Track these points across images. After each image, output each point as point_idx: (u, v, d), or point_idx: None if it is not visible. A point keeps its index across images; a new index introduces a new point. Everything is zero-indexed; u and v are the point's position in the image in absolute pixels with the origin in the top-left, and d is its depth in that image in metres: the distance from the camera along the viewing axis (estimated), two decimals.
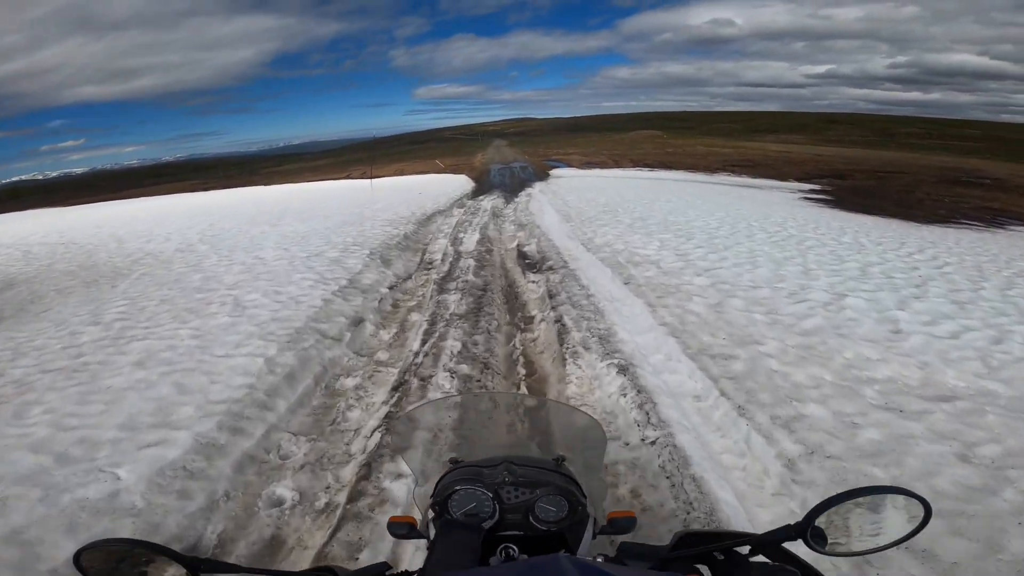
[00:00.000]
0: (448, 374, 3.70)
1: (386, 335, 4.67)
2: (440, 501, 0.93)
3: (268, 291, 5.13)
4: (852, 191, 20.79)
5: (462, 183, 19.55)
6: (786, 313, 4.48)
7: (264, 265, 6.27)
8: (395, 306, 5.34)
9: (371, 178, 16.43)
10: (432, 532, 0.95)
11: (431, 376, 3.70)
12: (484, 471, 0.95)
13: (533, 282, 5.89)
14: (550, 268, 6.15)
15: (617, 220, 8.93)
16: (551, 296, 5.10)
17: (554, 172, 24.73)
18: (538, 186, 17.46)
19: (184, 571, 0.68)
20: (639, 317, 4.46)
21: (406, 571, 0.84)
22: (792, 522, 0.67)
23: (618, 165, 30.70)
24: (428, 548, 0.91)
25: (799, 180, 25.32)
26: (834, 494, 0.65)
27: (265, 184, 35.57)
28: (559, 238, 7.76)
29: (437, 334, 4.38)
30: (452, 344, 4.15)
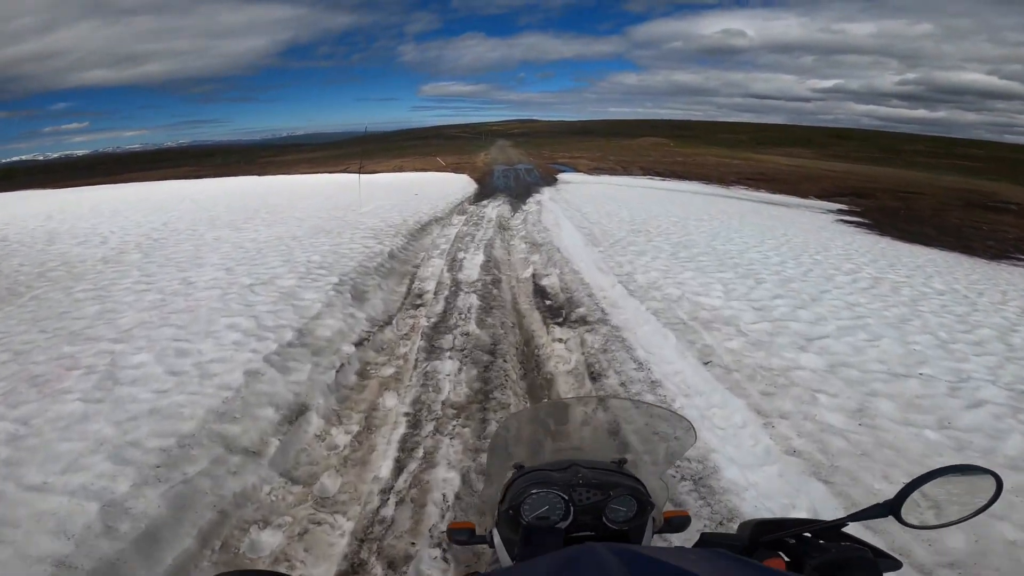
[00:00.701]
0: (439, 552, 2.03)
1: (341, 438, 2.93)
2: (513, 506, 0.92)
3: (168, 350, 3.38)
4: (882, 213, 19.24)
5: (463, 185, 17.83)
6: (965, 427, 2.83)
7: (187, 296, 4.52)
8: (362, 376, 3.61)
9: (360, 174, 14.63)
10: (496, 537, 0.95)
11: (407, 555, 2.03)
12: (554, 475, 0.95)
13: (561, 341, 4.17)
14: (583, 320, 4.45)
15: (654, 245, 7.24)
16: (592, 376, 3.41)
17: (562, 177, 23.06)
18: (547, 192, 15.77)
19: None
20: (744, 434, 2.76)
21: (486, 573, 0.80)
22: (880, 501, 0.70)
23: (627, 172, 29.08)
24: (515, 553, 0.89)
25: (819, 198, 23.79)
26: (919, 475, 0.68)
27: (258, 174, 33.94)
28: (587, 269, 6.05)
29: (422, 450, 2.67)
30: (445, 477, 2.46)
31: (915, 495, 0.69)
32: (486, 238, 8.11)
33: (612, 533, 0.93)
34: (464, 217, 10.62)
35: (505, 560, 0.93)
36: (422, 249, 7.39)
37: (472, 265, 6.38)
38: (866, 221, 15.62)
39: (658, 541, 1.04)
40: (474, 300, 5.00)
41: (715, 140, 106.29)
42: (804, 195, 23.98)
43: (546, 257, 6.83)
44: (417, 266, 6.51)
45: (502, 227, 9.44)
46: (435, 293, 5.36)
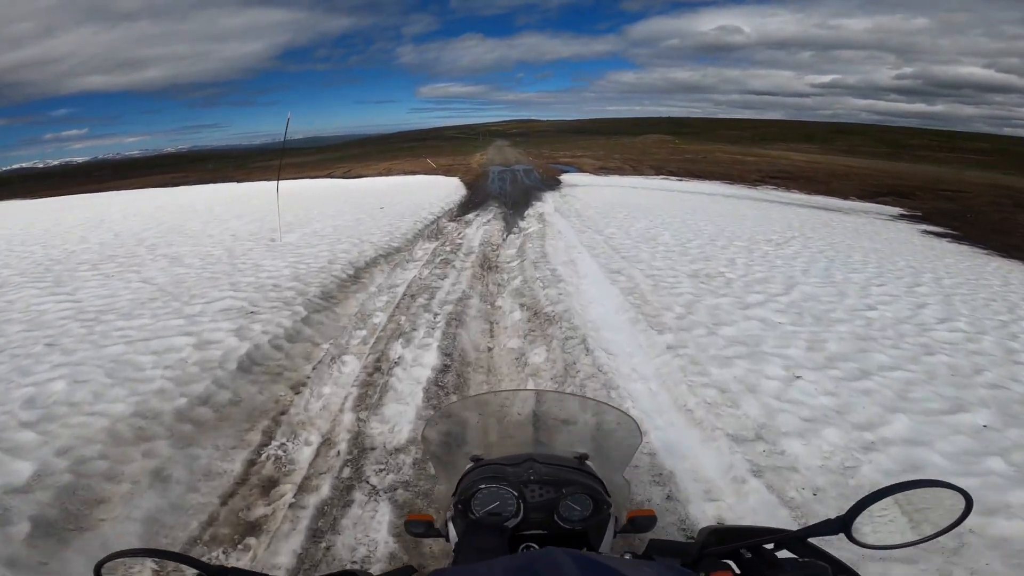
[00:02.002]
0: None
1: None
2: (463, 499, 0.89)
3: None
4: (949, 218, 15.89)
5: (451, 191, 14.50)
6: None
7: None
8: None
9: (281, 183, 11.26)
10: (451, 531, 0.92)
11: None
12: (508, 469, 0.92)
13: None
14: None
15: (764, 320, 3.89)
16: None
17: (566, 179, 19.68)
18: (550, 200, 12.43)
19: None
20: None
21: (432, 572, 0.73)
22: (831, 517, 0.63)
23: (638, 172, 25.70)
24: (454, 550, 0.85)
25: (861, 198, 20.39)
26: (876, 490, 0.60)
27: (240, 181, 31.00)
28: (667, 417, 2.68)
29: None
30: None
31: (871, 510, 0.61)
32: (456, 295, 4.75)
33: (567, 533, 0.87)
34: (435, 244, 7.29)
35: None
36: (331, 333, 3.96)
37: (410, 384, 3.03)
38: (952, 232, 12.24)
39: (621, 541, 0.95)
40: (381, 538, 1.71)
41: (717, 136, 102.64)
42: (843, 195, 20.60)
43: (561, 360, 3.35)
44: (293, 395, 3.12)
45: (487, 265, 6.09)
46: (293, 503, 2.06)
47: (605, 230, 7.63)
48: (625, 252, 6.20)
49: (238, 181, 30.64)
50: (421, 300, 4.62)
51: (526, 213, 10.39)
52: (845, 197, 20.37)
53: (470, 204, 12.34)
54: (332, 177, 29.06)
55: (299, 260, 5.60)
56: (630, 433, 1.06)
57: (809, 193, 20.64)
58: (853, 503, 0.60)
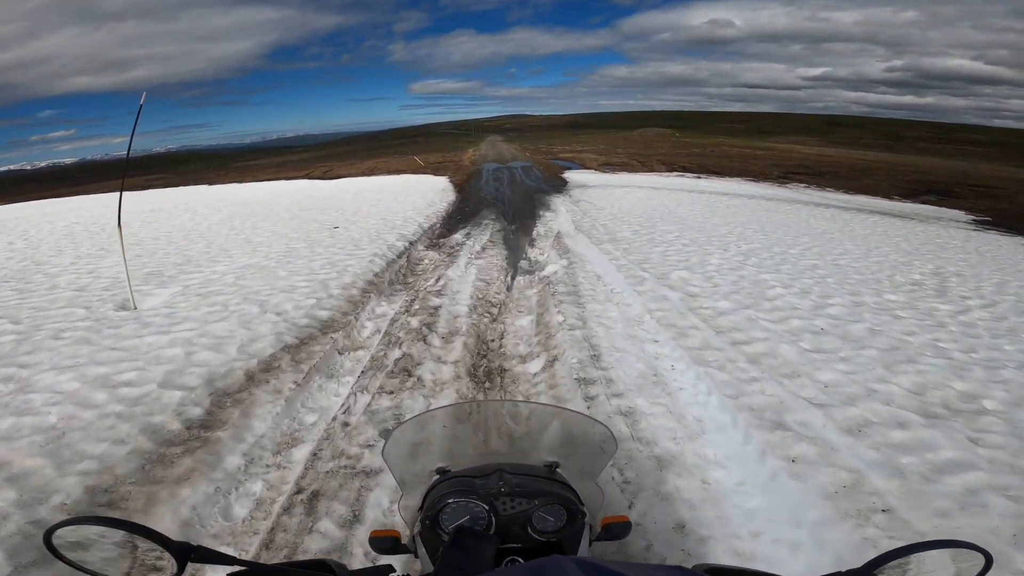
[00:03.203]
0: None
1: None
2: (431, 514, 0.83)
3: None
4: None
5: (437, 195, 11.68)
6: None
7: None
8: None
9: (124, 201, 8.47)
10: (419, 546, 0.85)
11: None
12: (476, 481, 0.86)
13: None
14: None
15: None
16: None
17: (572, 178, 16.90)
18: (561, 207, 9.70)
19: (172, 559, 0.55)
20: None
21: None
22: (844, 569, 0.60)
23: (647, 168, 22.99)
24: (439, 559, 0.75)
25: (904, 198, 17.86)
26: (895, 548, 0.59)
27: (209, 184, 28.10)
28: None
29: None
30: None
31: (888, 566, 0.58)
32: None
33: (541, 544, 0.84)
34: (396, 308, 4.50)
35: (429, 569, 0.80)
36: None
37: None
38: None
39: (596, 550, 0.91)
40: None
41: (713, 130, 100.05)
42: (885, 194, 18.03)
43: None
44: None
45: (485, 374, 3.30)
46: None
47: (671, 273, 4.89)
48: (721, 319, 3.47)
49: (210, 183, 27.80)
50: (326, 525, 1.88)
51: (535, 231, 7.64)
52: (888, 196, 17.79)
53: (459, 215, 9.57)
54: (310, 178, 26.15)
55: (112, 374, 2.84)
56: (604, 441, 1.01)
57: (847, 192, 18.03)
58: (870, 559, 0.58)
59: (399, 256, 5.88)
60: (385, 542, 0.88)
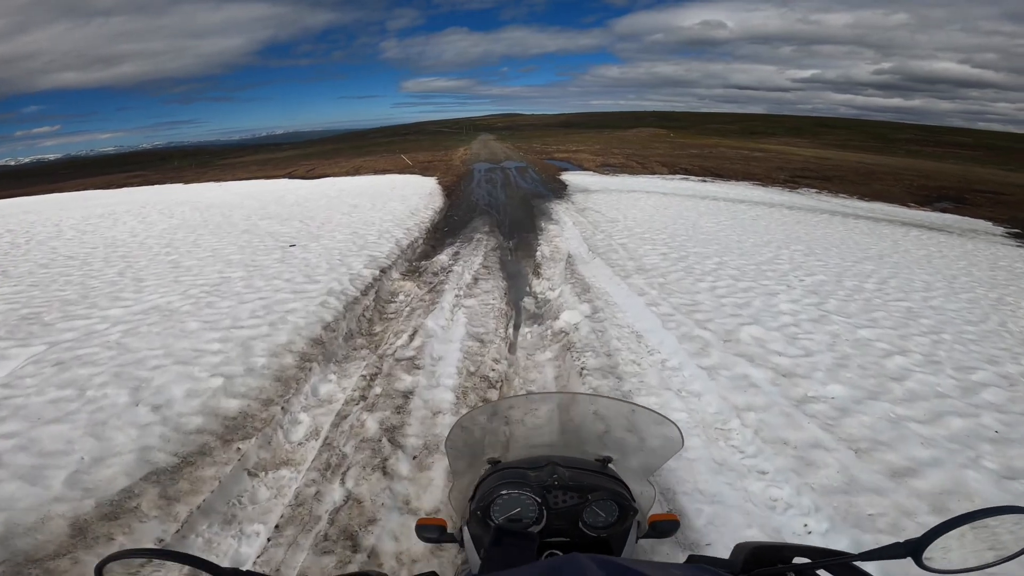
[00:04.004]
0: None
1: None
2: (483, 505, 0.81)
3: None
4: None
5: (423, 200, 10.20)
6: None
7: None
8: None
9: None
10: (466, 536, 0.84)
11: None
12: (529, 473, 0.84)
13: None
14: None
15: None
16: None
17: (571, 180, 15.49)
18: (566, 217, 8.31)
19: None
20: None
21: None
22: (901, 540, 0.58)
23: (648, 170, 21.67)
24: (483, 558, 0.74)
25: (920, 204, 16.79)
26: (950, 518, 0.56)
27: (185, 183, 26.47)
28: None
29: None
30: None
31: (945, 536, 0.56)
32: None
33: (589, 540, 0.82)
34: (350, 387, 3.09)
35: (474, 561, 0.80)
36: None
37: None
38: None
39: (643, 547, 0.88)
40: None
41: (706, 130, 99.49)
42: (900, 201, 16.92)
43: None
44: None
45: None
46: None
47: (739, 330, 3.51)
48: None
49: (186, 182, 26.15)
50: None
51: (538, 250, 6.22)
52: (904, 203, 16.66)
53: (447, 227, 8.13)
54: (291, 177, 24.57)
55: None
56: (668, 437, 0.93)
57: (861, 198, 16.87)
58: (926, 530, 0.56)
59: (364, 292, 4.42)
60: (431, 531, 0.87)
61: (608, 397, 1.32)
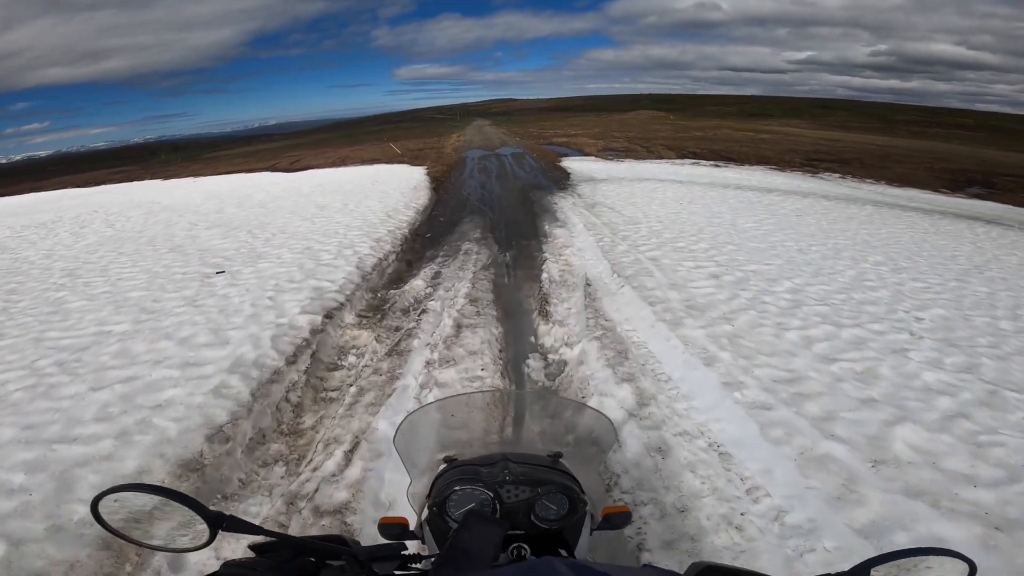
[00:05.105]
0: None
1: None
2: (438, 502, 0.83)
3: None
4: None
5: (407, 196, 8.59)
6: None
7: None
8: None
9: None
10: (427, 533, 0.86)
11: None
12: (482, 470, 0.85)
13: None
14: None
15: None
16: None
17: (574, 167, 13.84)
18: (572, 215, 6.79)
19: (205, 526, 0.56)
20: None
21: (419, 555, 0.73)
22: (834, 572, 0.59)
23: (654, 154, 20.03)
24: (450, 540, 0.70)
25: (951, 190, 15.26)
26: (884, 552, 0.59)
27: (164, 179, 25.03)
28: None
29: None
30: None
31: (876, 570, 0.59)
32: None
33: (543, 532, 0.83)
34: None
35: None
36: None
37: None
38: None
39: (597, 540, 0.91)
40: None
41: (704, 112, 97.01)
42: (931, 187, 15.39)
43: None
44: None
45: None
46: None
47: (886, 435, 2.06)
48: None
49: (165, 178, 24.63)
50: None
51: (544, 266, 4.72)
52: (935, 189, 15.10)
53: (429, 232, 6.62)
54: (274, 170, 22.92)
55: None
56: (605, 432, 0.99)
57: (889, 184, 15.33)
58: (858, 562, 0.58)
59: (294, 358, 2.93)
60: (393, 528, 0.88)
61: (554, 395, 1.34)
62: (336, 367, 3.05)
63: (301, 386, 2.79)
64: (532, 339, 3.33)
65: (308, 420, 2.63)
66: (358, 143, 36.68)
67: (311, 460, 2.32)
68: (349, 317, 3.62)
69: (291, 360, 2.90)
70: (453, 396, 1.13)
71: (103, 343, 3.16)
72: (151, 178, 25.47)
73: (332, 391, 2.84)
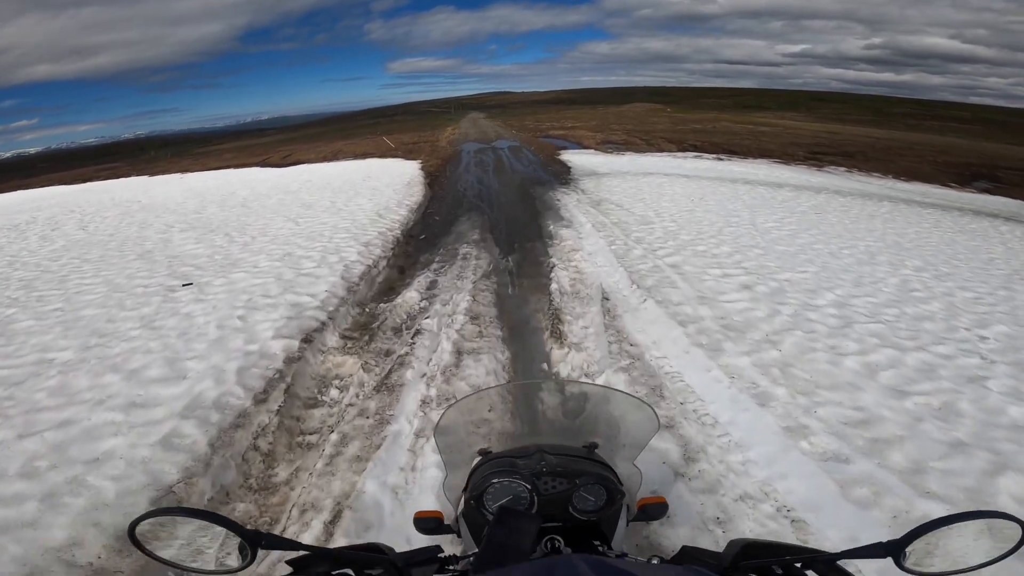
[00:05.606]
0: None
1: None
2: (476, 495, 0.81)
3: None
4: None
5: (399, 193, 8.08)
6: None
7: None
8: None
9: None
10: (463, 526, 0.86)
11: None
12: (519, 461, 0.83)
13: None
14: None
15: None
16: None
17: (574, 161, 13.32)
18: (580, 215, 6.30)
19: (245, 545, 0.56)
20: None
21: (455, 556, 0.74)
22: (883, 540, 0.56)
23: (655, 147, 19.52)
24: (485, 537, 0.71)
25: (958, 184, 14.90)
26: (932, 519, 0.55)
27: (151, 175, 24.40)
28: None
29: None
30: None
31: (924, 538, 0.55)
32: None
33: (580, 524, 0.82)
34: None
35: (472, 549, 0.82)
36: None
37: None
38: None
39: (633, 530, 0.86)
40: None
41: (700, 105, 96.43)
42: (939, 181, 15.04)
43: None
44: None
45: None
46: None
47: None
48: None
49: (151, 175, 23.97)
50: None
51: (552, 274, 4.25)
52: (943, 183, 14.74)
53: (423, 232, 6.12)
54: (265, 164, 22.37)
55: None
56: (646, 420, 0.94)
57: (897, 178, 14.95)
58: (906, 531, 0.55)
59: (264, 395, 2.46)
60: (429, 523, 0.88)
61: (590, 384, 1.19)
62: (315, 403, 2.57)
63: (272, 430, 2.31)
64: (545, 366, 2.86)
65: (282, 472, 2.16)
66: (351, 137, 35.90)
67: (284, 530, 1.86)
68: (332, 339, 3.14)
69: (260, 398, 2.41)
70: (489, 388, 1.09)
71: (42, 375, 2.68)
72: (138, 175, 24.84)
73: (310, 434, 2.36)
